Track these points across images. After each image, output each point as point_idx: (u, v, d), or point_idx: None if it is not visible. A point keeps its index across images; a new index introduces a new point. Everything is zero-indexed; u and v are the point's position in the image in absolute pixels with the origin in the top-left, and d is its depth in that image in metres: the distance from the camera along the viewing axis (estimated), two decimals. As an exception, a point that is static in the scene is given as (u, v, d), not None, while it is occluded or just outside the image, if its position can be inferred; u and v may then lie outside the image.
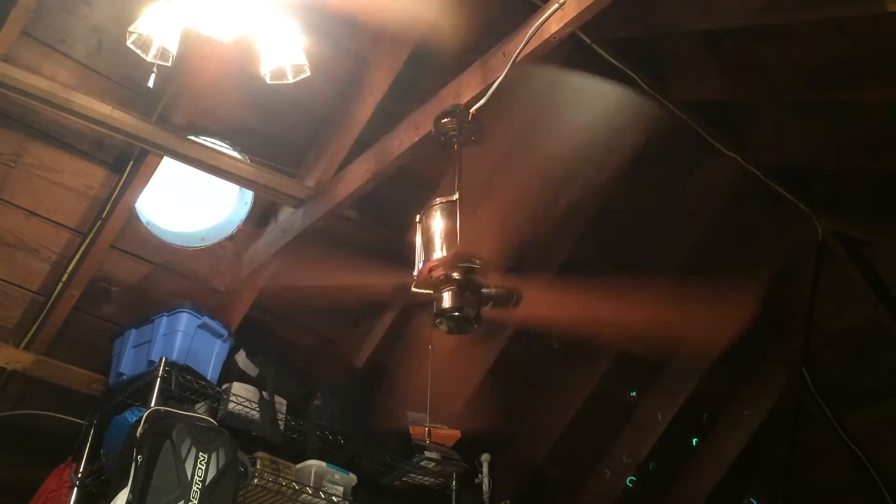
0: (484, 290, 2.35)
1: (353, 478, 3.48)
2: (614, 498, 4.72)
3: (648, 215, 4.24)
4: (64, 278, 3.45)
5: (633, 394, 4.70)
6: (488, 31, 2.93)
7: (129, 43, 2.49)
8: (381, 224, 3.77)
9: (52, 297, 3.47)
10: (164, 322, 3.40)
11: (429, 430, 3.81)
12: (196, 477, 2.85)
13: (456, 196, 2.42)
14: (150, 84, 2.60)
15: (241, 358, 3.64)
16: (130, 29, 2.48)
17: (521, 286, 2.39)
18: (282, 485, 3.30)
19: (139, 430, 2.93)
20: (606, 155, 3.67)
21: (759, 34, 3.23)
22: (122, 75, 3.18)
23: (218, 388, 3.42)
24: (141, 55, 2.50)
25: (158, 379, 3.23)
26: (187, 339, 3.38)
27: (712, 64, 3.53)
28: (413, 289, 2.39)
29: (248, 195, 3.72)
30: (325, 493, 3.37)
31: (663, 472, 4.82)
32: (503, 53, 2.75)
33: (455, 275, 2.31)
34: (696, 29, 3.29)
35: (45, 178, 3.33)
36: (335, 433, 3.63)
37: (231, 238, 3.76)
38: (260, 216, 3.73)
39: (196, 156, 3.29)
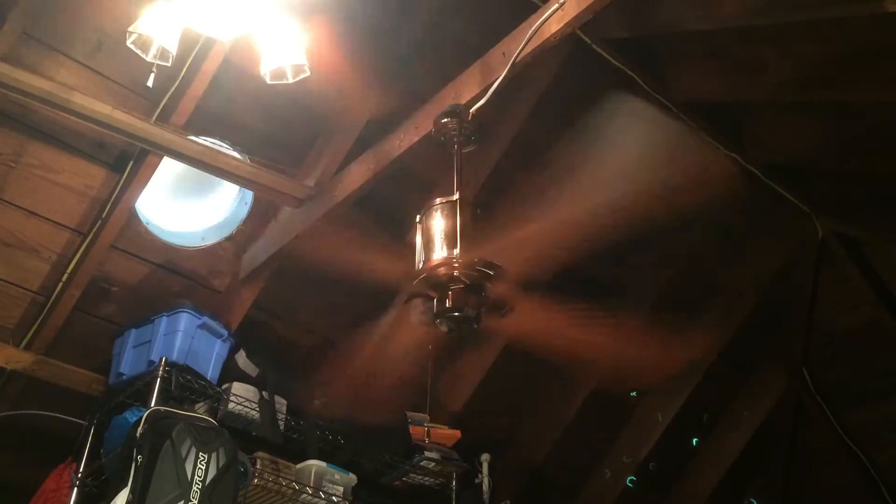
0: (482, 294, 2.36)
1: (353, 478, 3.48)
2: (614, 498, 4.72)
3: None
4: (64, 278, 3.45)
5: (633, 394, 4.70)
6: (488, 31, 2.93)
7: (129, 43, 2.49)
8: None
9: (52, 297, 3.47)
10: (164, 322, 3.40)
11: (429, 430, 3.81)
12: (196, 477, 2.85)
13: (456, 196, 2.43)
14: (150, 84, 2.60)
15: (241, 358, 3.64)
16: (130, 29, 2.48)
17: (519, 300, 2.40)
18: (282, 485, 3.30)
19: (139, 430, 2.93)
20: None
21: (758, 34, 3.23)
22: (122, 75, 3.18)
23: (218, 388, 3.42)
24: (141, 55, 2.50)
25: (158, 379, 3.23)
26: (187, 339, 3.38)
27: (712, 64, 3.53)
28: (415, 283, 2.39)
29: (248, 195, 3.72)
30: (325, 493, 3.37)
31: (663, 472, 4.82)
32: (503, 53, 2.74)
33: (463, 276, 2.32)
34: (696, 29, 3.28)
35: (45, 178, 3.33)
36: (335, 433, 3.63)
37: (231, 238, 3.76)
38: (260, 216, 3.73)
39: (196, 156, 3.29)
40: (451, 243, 2.36)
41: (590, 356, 2.85)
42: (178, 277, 3.70)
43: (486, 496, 3.87)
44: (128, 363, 3.44)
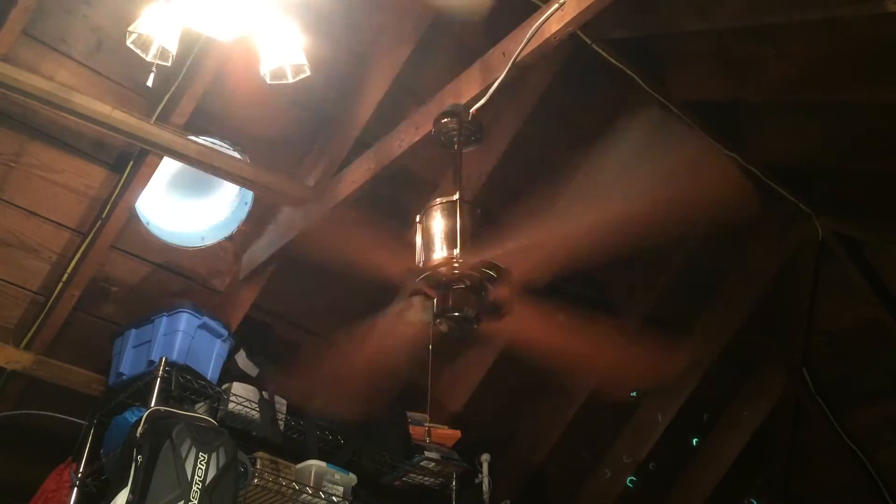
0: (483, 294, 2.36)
1: (353, 478, 3.48)
2: (614, 498, 4.73)
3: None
4: (64, 278, 3.45)
5: (633, 394, 4.70)
6: (488, 31, 2.93)
7: (129, 43, 2.49)
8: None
9: (52, 297, 3.47)
10: (164, 322, 3.40)
11: (429, 430, 3.81)
12: (196, 477, 2.85)
13: (456, 196, 2.43)
14: (150, 84, 2.60)
15: (241, 358, 3.64)
16: (130, 29, 2.48)
17: (517, 304, 2.40)
18: (282, 485, 3.30)
19: (139, 430, 2.92)
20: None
21: (759, 34, 3.23)
22: (122, 75, 3.18)
23: (218, 388, 3.41)
24: (141, 55, 2.50)
25: (158, 379, 3.23)
26: (187, 339, 3.38)
27: (712, 64, 3.53)
28: (417, 280, 2.39)
29: (248, 195, 3.72)
30: (325, 493, 3.36)
31: (663, 472, 4.82)
32: (503, 53, 2.74)
33: (464, 276, 2.32)
34: (696, 29, 3.28)
35: (45, 178, 3.33)
36: (335, 433, 3.63)
37: (231, 238, 3.76)
38: (260, 216, 3.73)
39: (196, 156, 3.29)
40: (451, 243, 2.36)
41: (585, 363, 2.86)
42: (178, 277, 3.70)
43: (486, 496, 3.86)
44: (128, 363, 3.44)
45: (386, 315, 2.67)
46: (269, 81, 2.63)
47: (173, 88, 3.16)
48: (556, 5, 2.54)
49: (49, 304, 3.48)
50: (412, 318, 2.49)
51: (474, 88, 2.81)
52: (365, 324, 2.72)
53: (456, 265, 2.34)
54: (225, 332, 3.54)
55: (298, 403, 3.57)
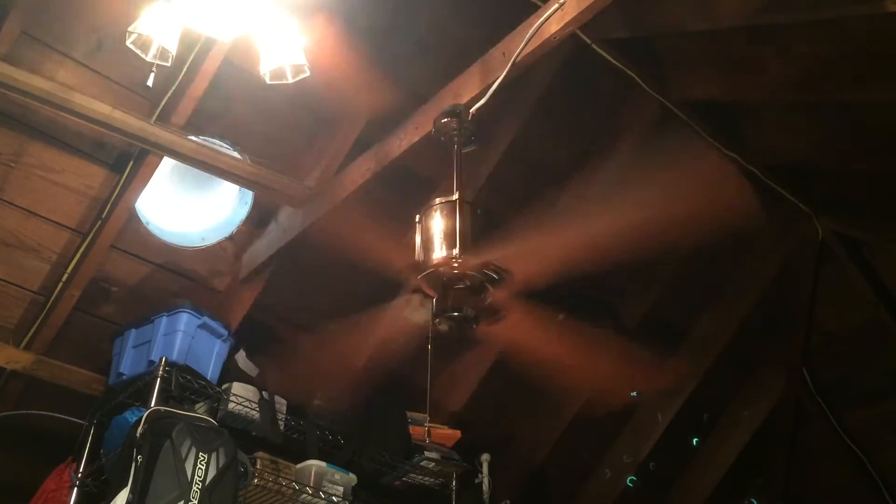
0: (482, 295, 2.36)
1: (353, 478, 3.48)
2: (614, 498, 4.72)
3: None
4: (64, 278, 3.45)
5: (634, 394, 4.70)
6: (488, 31, 2.93)
7: (129, 43, 2.49)
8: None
9: (52, 297, 3.48)
10: (164, 322, 3.40)
11: (429, 430, 3.81)
12: (196, 477, 2.85)
13: (456, 196, 2.43)
14: (150, 84, 2.60)
15: (241, 358, 3.64)
16: (130, 29, 2.48)
17: (514, 308, 2.41)
18: (282, 485, 3.30)
19: (139, 430, 2.92)
20: None
21: (758, 34, 3.23)
22: (122, 75, 3.18)
23: (218, 388, 3.42)
24: (141, 55, 2.50)
25: (158, 379, 3.23)
26: (187, 339, 3.38)
27: (712, 64, 3.53)
28: (416, 279, 2.39)
29: (248, 195, 3.72)
30: (325, 493, 3.37)
31: (663, 472, 4.82)
32: (503, 53, 2.74)
33: (464, 276, 2.33)
34: (696, 29, 3.28)
35: (45, 178, 3.33)
36: (335, 433, 3.63)
37: (231, 238, 3.76)
38: (260, 216, 3.73)
39: (196, 156, 3.29)
40: (450, 243, 2.36)
41: (579, 373, 2.86)
42: (178, 277, 3.71)
43: (486, 496, 3.86)
44: (128, 363, 3.44)
45: (384, 312, 2.67)
46: (268, 81, 2.63)
47: (173, 88, 3.16)
48: (556, 5, 2.54)
49: (49, 304, 3.48)
50: (410, 316, 2.49)
51: (474, 88, 2.81)
52: (363, 320, 2.72)
53: (456, 265, 2.34)
54: (225, 332, 3.54)
55: (296, 399, 3.58)
